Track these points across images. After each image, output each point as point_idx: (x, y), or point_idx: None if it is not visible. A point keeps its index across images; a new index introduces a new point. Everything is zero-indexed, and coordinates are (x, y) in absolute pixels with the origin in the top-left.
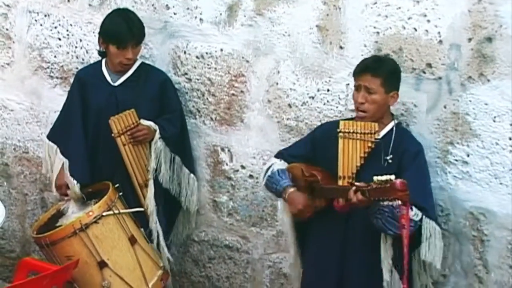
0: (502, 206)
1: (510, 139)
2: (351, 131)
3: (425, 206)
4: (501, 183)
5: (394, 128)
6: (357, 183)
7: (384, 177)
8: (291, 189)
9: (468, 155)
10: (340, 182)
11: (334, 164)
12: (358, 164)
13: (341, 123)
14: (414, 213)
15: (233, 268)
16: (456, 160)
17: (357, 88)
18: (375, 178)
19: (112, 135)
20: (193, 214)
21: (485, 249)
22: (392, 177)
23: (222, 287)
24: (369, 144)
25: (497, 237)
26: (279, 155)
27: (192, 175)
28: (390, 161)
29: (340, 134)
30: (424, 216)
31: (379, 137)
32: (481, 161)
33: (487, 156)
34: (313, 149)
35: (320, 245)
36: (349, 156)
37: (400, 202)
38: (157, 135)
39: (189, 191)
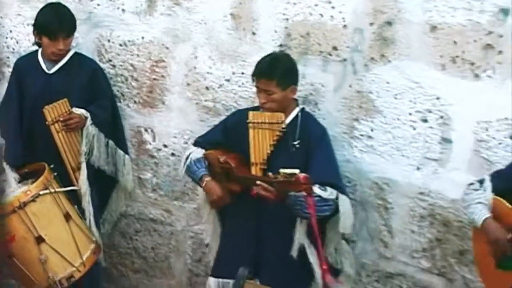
0: (404, 176)
1: (410, 114)
2: (260, 121)
3: (338, 184)
4: (402, 155)
5: (299, 114)
6: (264, 176)
7: (289, 171)
8: (207, 178)
9: (372, 130)
10: (252, 169)
11: (247, 150)
12: (268, 151)
13: (250, 114)
14: (329, 192)
15: (158, 240)
16: (361, 135)
17: (259, 90)
18: (281, 171)
19: (46, 123)
20: (131, 191)
21: (389, 216)
22: (297, 171)
23: (148, 257)
24: (277, 133)
25: (400, 205)
26: (197, 143)
27: (127, 156)
28: (297, 145)
29: (250, 124)
30: (339, 194)
31: (285, 124)
32: (384, 135)
33: (389, 131)
34: (226, 136)
35: (236, 224)
36: (260, 144)
37: (304, 193)
38: (89, 121)
39: (125, 170)
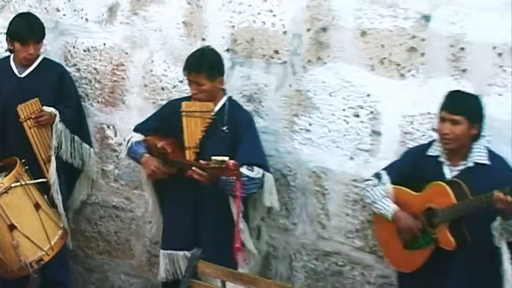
0: (339, 165)
1: (343, 110)
2: (192, 110)
3: (263, 163)
4: (337, 147)
5: (226, 103)
6: (199, 162)
7: (219, 158)
8: (146, 155)
9: (310, 125)
10: (187, 152)
11: (182, 135)
12: (200, 137)
13: (183, 104)
14: (256, 172)
15: (120, 225)
16: (301, 129)
17: (190, 82)
18: (212, 158)
19: (20, 120)
20: (95, 180)
21: (326, 201)
22: (226, 158)
23: (111, 240)
24: (208, 120)
25: (335, 191)
26: (136, 129)
27: (91, 149)
28: (226, 130)
29: (183, 113)
30: (264, 172)
31: (214, 112)
32: (321, 129)
33: (325, 125)
34: (163, 123)
35: (176, 202)
36: (192, 130)
37: (233, 177)
38: (57, 119)
39: (90, 162)
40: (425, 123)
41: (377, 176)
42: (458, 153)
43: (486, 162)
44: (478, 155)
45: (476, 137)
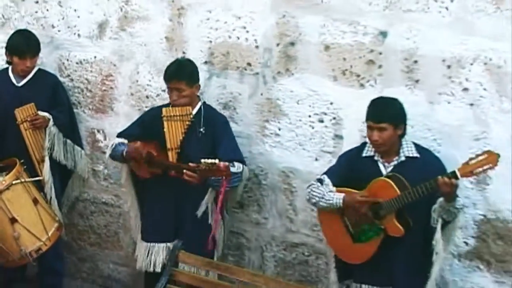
0: (305, 165)
1: (309, 116)
2: (172, 114)
3: (241, 159)
4: (304, 149)
5: (202, 107)
6: (189, 165)
7: (210, 161)
8: (130, 145)
9: (279, 129)
10: (169, 153)
11: (163, 138)
12: (181, 138)
13: (164, 110)
14: (237, 167)
15: (109, 219)
16: (271, 133)
17: (171, 90)
18: (202, 161)
19: (17, 122)
20: (86, 179)
21: (294, 197)
22: (216, 160)
23: (101, 233)
24: (187, 123)
25: (302, 188)
26: (119, 135)
27: (82, 151)
28: (203, 131)
29: (164, 118)
30: (243, 166)
31: (193, 115)
32: (289, 133)
33: (293, 130)
34: (144, 129)
35: (157, 198)
36: (173, 133)
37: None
38: (51, 122)
39: (82, 163)
40: None
41: (319, 180)
42: (390, 151)
43: (416, 155)
44: (408, 150)
45: (403, 134)
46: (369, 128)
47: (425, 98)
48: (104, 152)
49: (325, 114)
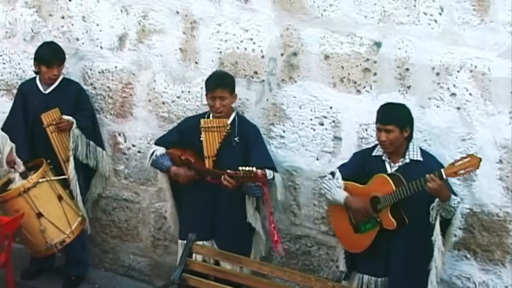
0: (307, 164)
1: (311, 119)
2: (210, 126)
3: (272, 166)
4: (306, 150)
5: (236, 117)
6: (227, 172)
7: (247, 168)
8: (173, 167)
9: (284, 132)
10: (206, 161)
11: (199, 146)
12: (217, 147)
13: (202, 121)
14: (269, 173)
15: (129, 214)
16: (276, 135)
17: (213, 98)
18: (240, 168)
19: (43, 126)
20: (107, 178)
21: (297, 193)
22: (254, 168)
23: (122, 227)
24: (223, 133)
25: (305, 185)
26: (157, 143)
27: (104, 151)
28: (238, 141)
29: (202, 128)
30: (274, 173)
31: (228, 126)
32: (293, 135)
33: (296, 132)
34: (181, 137)
35: (195, 200)
36: (211, 142)
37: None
38: (74, 125)
39: (104, 163)
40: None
41: (332, 173)
42: (396, 153)
43: (419, 158)
44: (413, 153)
45: (409, 137)
46: (378, 129)
47: (416, 103)
48: (124, 153)
49: (325, 117)
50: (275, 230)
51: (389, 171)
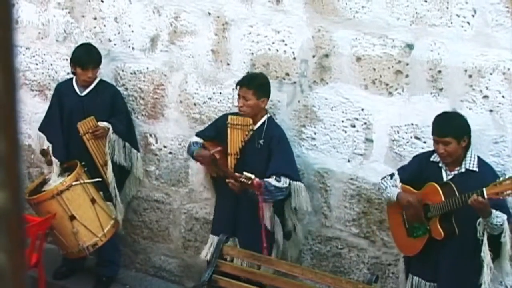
0: (338, 166)
1: (342, 121)
2: (235, 123)
3: (290, 174)
4: (337, 151)
5: (266, 121)
6: (235, 174)
7: (248, 175)
8: (197, 150)
9: (315, 133)
10: (229, 158)
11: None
12: (240, 146)
13: (229, 117)
14: (283, 182)
15: (160, 215)
16: (307, 137)
17: (239, 96)
18: (244, 173)
19: (80, 134)
20: (141, 179)
21: (328, 195)
22: (253, 176)
23: (153, 228)
24: (246, 133)
25: (335, 187)
26: (197, 135)
27: (138, 153)
28: (262, 143)
29: (229, 125)
30: (291, 181)
31: (254, 128)
32: (324, 137)
33: (327, 134)
34: (217, 132)
35: (222, 199)
36: (234, 140)
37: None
38: (110, 131)
39: (138, 164)
40: (408, 132)
41: (391, 175)
42: (455, 161)
43: (475, 169)
44: (470, 163)
45: (468, 146)
46: (435, 141)
47: (449, 105)
48: (156, 154)
49: (357, 119)
50: (266, 241)
51: (445, 179)
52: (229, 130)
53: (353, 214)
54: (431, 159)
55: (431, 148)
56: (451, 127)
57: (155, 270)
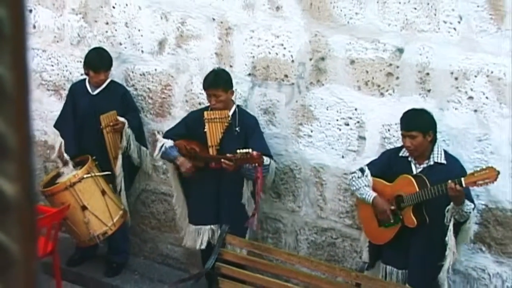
0: (333, 162)
1: (337, 120)
2: (213, 117)
3: (269, 153)
4: (332, 148)
5: (236, 109)
6: (226, 155)
7: (244, 150)
8: (180, 158)
9: (311, 131)
10: (210, 149)
11: (203, 137)
12: (220, 137)
13: (205, 113)
14: (266, 159)
15: (167, 207)
16: (304, 135)
17: (209, 95)
18: (238, 151)
19: (101, 127)
20: (150, 173)
21: (323, 189)
22: (250, 150)
23: (161, 219)
24: (225, 124)
25: (330, 182)
26: (166, 136)
27: (147, 150)
28: (238, 130)
29: (206, 120)
30: (270, 160)
31: (230, 117)
32: (320, 135)
33: (323, 132)
34: (187, 130)
35: (201, 187)
36: (214, 132)
37: (256, 164)
38: (126, 125)
39: (147, 160)
40: (399, 130)
41: (361, 170)
42: (422, 155)
43: (443, 161)
44: (437, 156)
45: (434, 140)
46: (403, 136)
47: (436, 105)
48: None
49: (350, 118)
50: (257, 206)
51: (414, 172)
52: (207, 124)
53: (347, 207)
54: (400, 154)
55: None
56: (417, 122)
57: (162, 258)
